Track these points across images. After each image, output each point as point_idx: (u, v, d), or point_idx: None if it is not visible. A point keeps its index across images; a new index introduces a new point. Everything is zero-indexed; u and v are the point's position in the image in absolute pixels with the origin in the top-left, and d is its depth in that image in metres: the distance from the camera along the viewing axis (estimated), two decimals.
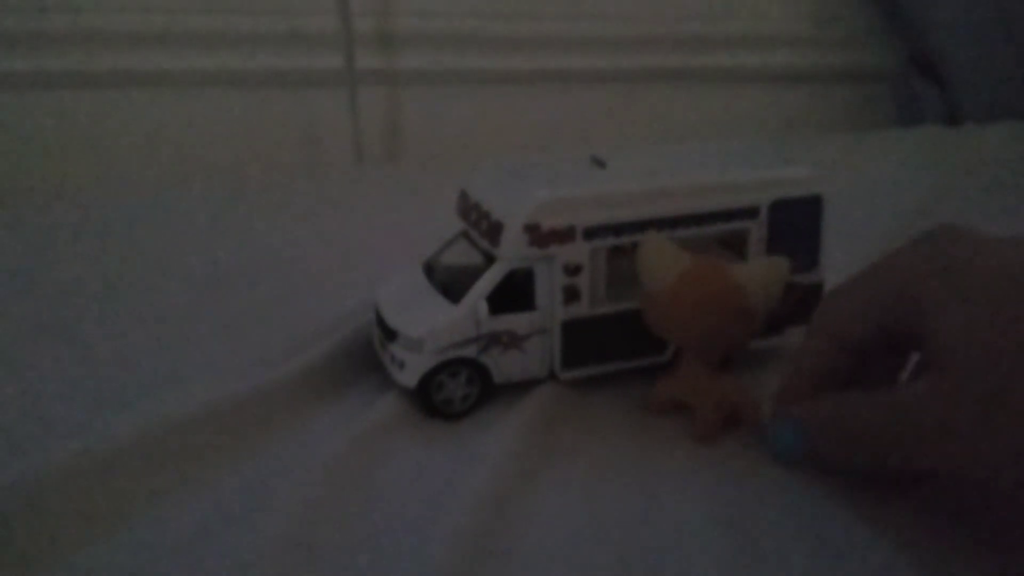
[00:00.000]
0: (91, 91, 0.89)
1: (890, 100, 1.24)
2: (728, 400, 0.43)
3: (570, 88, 1.07)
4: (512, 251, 0.43)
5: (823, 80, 1.20)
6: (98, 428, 0.39)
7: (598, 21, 1.08)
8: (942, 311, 0.33)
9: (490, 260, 0.44)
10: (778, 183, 0.46)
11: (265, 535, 0.34)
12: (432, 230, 0.50)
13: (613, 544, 0.36)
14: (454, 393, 0.45)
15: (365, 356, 0.48)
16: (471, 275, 0.44)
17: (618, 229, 0.43)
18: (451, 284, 0.46)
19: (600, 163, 0.47)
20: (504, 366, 0.45)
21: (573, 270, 0.44)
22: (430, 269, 0.48)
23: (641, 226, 0.44)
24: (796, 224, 0.47)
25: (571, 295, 0.44)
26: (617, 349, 0.46)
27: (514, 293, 0.44)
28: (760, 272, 0.41)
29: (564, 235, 0.43)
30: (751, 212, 0.46)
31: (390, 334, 0.45)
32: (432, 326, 0.43)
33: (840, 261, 0.47)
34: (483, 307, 0.43)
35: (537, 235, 0.43)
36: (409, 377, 0.44)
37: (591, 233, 0.43)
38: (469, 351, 0.44)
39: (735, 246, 0.48)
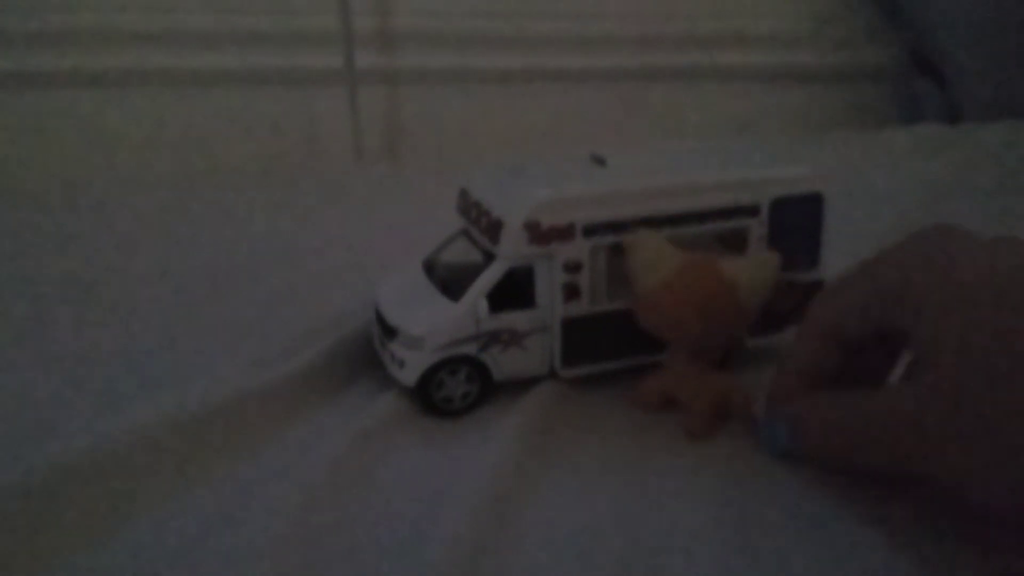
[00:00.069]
0: (91, 90, 0.89)
1: (890, 99, 1.24)
2: (720, 396, 0.43)
3: (570, 87, 1.07)
4: (512, 249, 0.43)
5: (823, 79, 1.19)
6: (97, 428, 0.39)
7: (598, 20, 1.08)
8: (931, 312, 0.33)
9: (490, 258, 0.44)
10: (779, 181, 0.46)
11: (264, 534, 0.34)
12: (432, 228, 0.50)
13: (613, 543, 0.36)
14: (454, 391, 0.45)
15: (365, 354, 0.48)
16: (471, 273, 0.44)
17: (618, 227, 0.43)
18: (451, 282, 0.45)
19: (600, 161, 0.47)
20: (504, 364, 0.45)
21: (573, 268, 0.44)
22: (430, 267, 0.48)
23: (642, 224, 0.43)
24: (797, 222, 0.47)
25: (571, 293, 0.44)
26: (617, 347, 0.46)
27: (514, 291, 0.44)
28: (751, 268, 0.41)
29: (564, 233, 0.43)
30: (751, 210, 0.46)
31: (390, 332, 0.45)
32: (432, 324, 0.43)
33: (840, 260, 0.47)
34: (483, 305, 0.43)
35: (537, 233, 0.42)
36: (409, 375, 0.44)
37: (591, 231, 0.43)
38: (469, 349, 0.44)
39: (736, 244, 0.47)
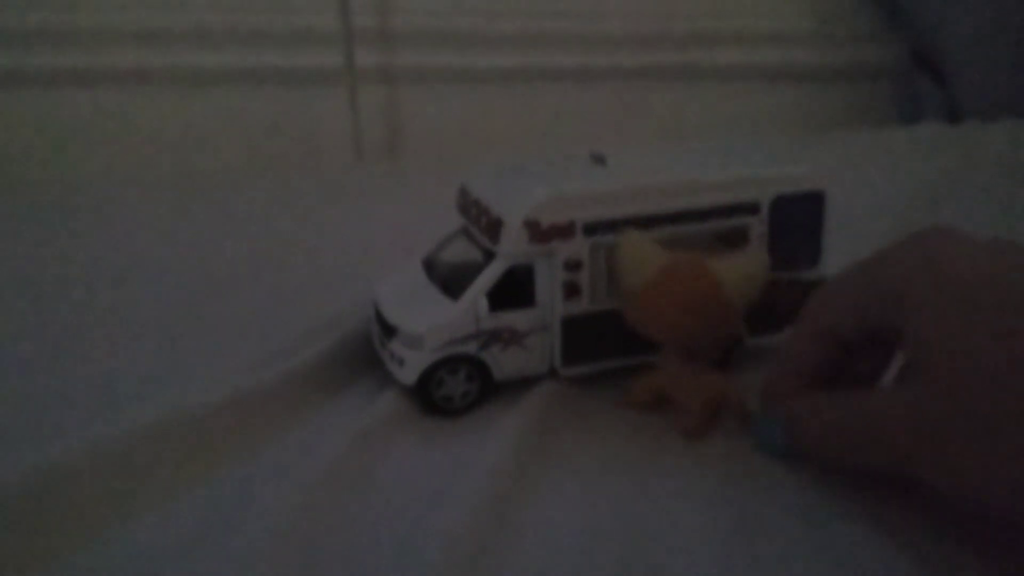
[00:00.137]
0: (89, 88, 0.89)
1: (891, 98, 1.24)
2: (714, 395, 0.43)
3: (570, 86, 1.07)
4: (512, 247, 0.43)
5: (824, 78, 1.19)
6: (97, 428, 0.39)
7: (598, 19, 1.08)
8: (925, 315, 0.33)
9: (490, 256, 0.44)
10: (779, 179, 0.46)
11: (264, 534, 0.34)
12: (432, 227, 0.50)
13: (613, 543, 0.35)
14: (454, 390, 0.44)
15: (365, 353, 0.48)
16: (471, 272, 0.44)
17: (618, 225, 0.43)
18: (451, 281, 0.45)
19: (600, 160, 0.47)
20: (504, 363, 0.45)
21: (573, 266, 0.43)
22: (430, 266, 0.48)
23: (642, 222, 0.43)
24: (798, 221, 0.47)
25: (571, 291, 0.44)
26: (618, 346, 0.46)
27: (514, 290, 0.44)
28: (739, 267, 0.41)
29: (564, 231, 0.43)
30: (752, 208, 0.46)
31: (389, 331, 0.45)
32: (432, 322, 0.43)
33: (841, 259, 0.46)
34: (483, 303, 0.43)
35: (537, 231, 0.42)
36: (408, 374, 0.44)
37: (591, 229, 0.43)
38: (469, 348, 0.44)
39: (737, 243, 0.47)
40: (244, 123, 0.94)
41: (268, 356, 0.47)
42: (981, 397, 0.30)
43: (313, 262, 0.63)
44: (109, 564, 0.34)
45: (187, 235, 0.70)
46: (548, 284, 0.44)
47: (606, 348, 0.46)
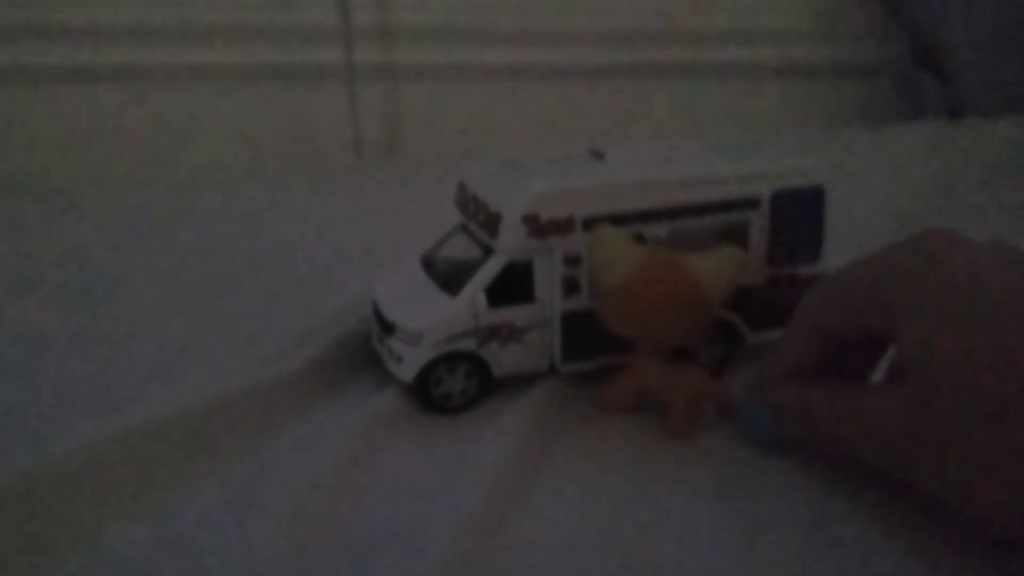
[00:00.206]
0: (87, 86, 0.89)
1: (892, 94, 1.23)
2: (697, 391, 0.42)
3: (570, 83, 1.07)
4: (511, 242, 0.43)
5: (825, 74, 1.19)
6: (96, 427, 0.39)
7: (599, 16, 1.07)
8: (921, 318, 0.33)
9: (488, 252, 0.44)
10: (779, 174, 0.46)
11: (264, 532, 0.34)
12: (431, 224, 0.50)
13: (614, 541, 0.35)
14: (453, 387, 0.44)
15: (364, 351, 0.48)
16: (470, 268, 0.44)
17: (618, 220, 0.43)
18: (450, 277, 0.45)
19: (599, 155, 0.47)
20: (503, 359, 0.45)
21: (573, 261, 0.43)
22: (428, 262, 0.48)
23: (641, 217, 0.43)
24: (798, 216, 0.47)
25: (571, 287, 0.44)
26: (617, 342, 0.45)
27: (513, 285, 0.44)
28: (715, 263, 0.41)
29: (563, 226, 0.42)
30: (752, 203, 0.45)
31: (388, 328, 0.44)
32: (430, 319, 0.43)
33: (842, 255, 0.46)
34: (482, 299, 0.43)
35: (536, 226, 0.42)
36: (407, 371, 0.44)
37: (590, 224, 0.43)
38: (468, 344, 0.44)
39: (737, 238, 0.47)
40: (243, 120, 0.94)
41: (267, 355, 0.47)
42: (974, 400, 0.30)
43: (312, 259, 0.63)
44: (107, 564, 0.34)
45: (185, 232, 0.70)
46: (547, 280, 0.44)
47: (606, 344, 0.46)
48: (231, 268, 0.62)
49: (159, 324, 0.53)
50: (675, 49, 1.11)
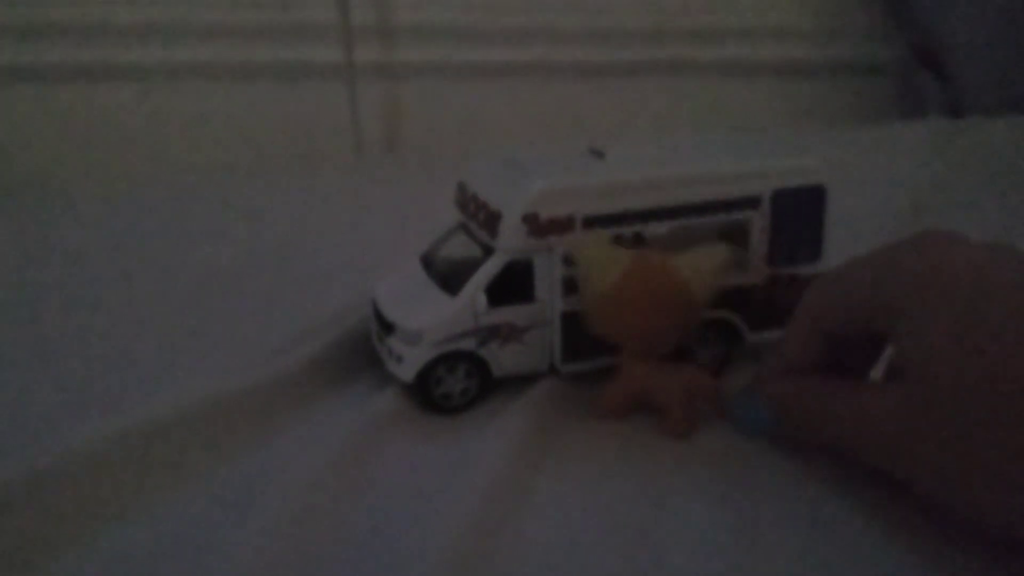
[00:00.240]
0: (86, 84, 0.89)
1: (893, 93, 1.23)
2: (691, 389, 0.42)
3: (570, 81, 1.07)
4: (511, 242, 0.42)
5: (826, 73, 1.19)
6: (95, 425, 0.39)
7: (599, 13, 1.07)
8: (913, 320, 0.33)
9: (488, 251, 0.44)
10: (780, 173, 0.46)
11: (263, 532, 0.34)
12: (431, 223, 0.50)
13: (614, 540, 0.35)
14: (453, 387, 0.44)
15: (363, 350, 0.48)
16: (469, 267, 0.44)
17: (618, 219, 0.43)
18: (449, 277, 0.45)
19: (599, 154, 0.46)
20: (503, 359, 0.44)
21: (573, 261, 0.43)
22: (428, 262, 0.48)
23: (642, 215, 0.43)
24: (799, 215, 0.46)
25: (571, 286, 0.44)
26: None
27: (513, 285, 0.43)
28: (701, 262, 0.41)
29: (563, 225, 0.42)
30: (753, 202, 0.45)
31: (388, 327, 0.44)
32: (430, 319, 0.43)
33: (843, 254, 0.46)
34: (481, 299, 0.43)
35: (536, 225, 0.42)
36: (407, 371, 0.44)
37: (590, 223, 0.43)
38: (468, 344, 0.44)
39: (737, 237, 0.47)
40: (243, 119, 0.94)
41: (266, 354, 0.47)
42: (972, 401, 0.30)
43: (312, 259, 0.63)
44: (107, 564, 0.34)
45: (184, 231, 0.70)
46: (547, 279, 0.43)
47: (606, 345, 0.45)
48: (230, 267, 0.62)
49: (159, 323, 0.53)
50: (675, 47, 1.11)
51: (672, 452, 0.41)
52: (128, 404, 0.41)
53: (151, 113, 0.91)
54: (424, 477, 0.39)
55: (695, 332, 0.45)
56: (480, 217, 0.44)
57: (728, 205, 0.45)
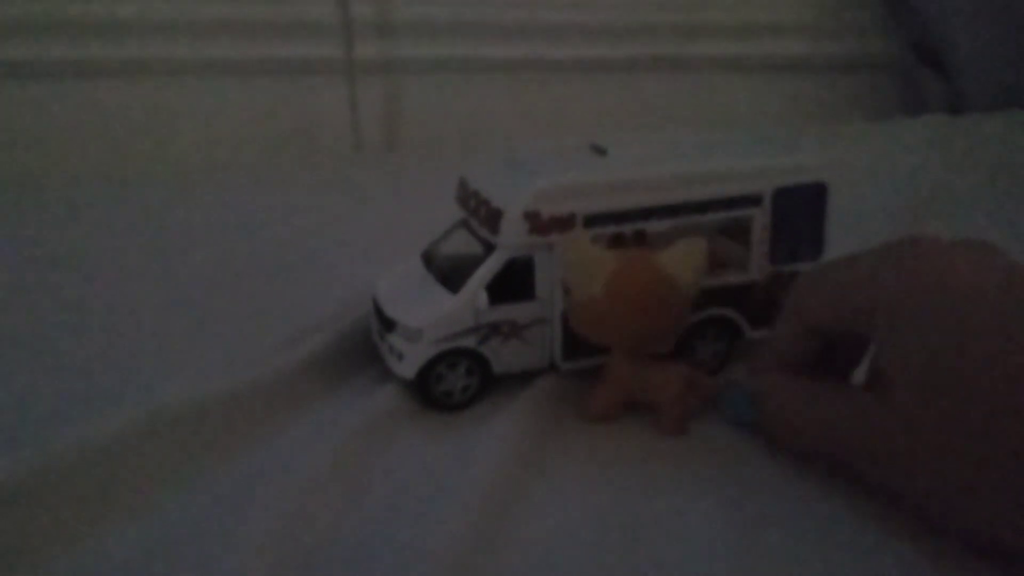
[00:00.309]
0: (85, 80, 0.88)
1: (893, 89, 1.23)
2: (683, 386, 0.42)
3: (571, 77, 1.06)
4: (512, 239, 0.42)
5: (826, 69, 1.19)
6: (95, 423, 0.39)
7: (599, 9, 1.07)
8: (894, 329, 0.33)
9: (489, 249, 0.44)
10: (782, 171, 0.46)
11: (264, 529, 0.34)
12: (431, 219, 0.50)
13: (615, 537, 0.35)
14: (454, 384, 0.44)
15: (364, 348, 0.48)
16: (470, 264, 0.44)
17: (619, 217, 0.43)
18: (450, 274, 0.45)
19: (600, 151, 0.46)
20: (504, 357, 0.44)
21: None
22: (429, 259, 0.48)
23: (643, 213, 0.43)
24: (800, 212, 0.46)
25: None
26: None
27: (514, 282, 0.43)
28: (683, 257, 0.41)
29: (564, 222, 0.42)
30: (754, 200, 0.45)
31: (388, 324, 0.44)
32: (431, 316, 0.43)
33: (843, 251, 0.46)
34: (482, 296, 0.43)
35: (537, 223, 0.42)
36: (408, 368, 0.44)
37: (592, 221, 0.43)
38: (468, 341, 0.43)
39: (739, 234, 0.47)
40: (242, 115, 0.93)
41: (266, 351, 0.47)
42: (947, 414, 0.31)
43: (312, 255, 0.63)
44: (107, 561, 0.34)
45: (183, 228, 0.69)
46: (548, 277, 0.43)
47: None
48: (230, 264, 0.62)
49: (158, 321, 0.53)
50: (675, 44, 1.11)
51: (672, 450, 0.41)
52: (128, 402, 0.41)
53: (150, 110, 0.91)
54: (424, 475, 0.39)
55: (687, 329, 0.45)
56: (481, 214, 0.44)
57: (730, 203, 0.45)
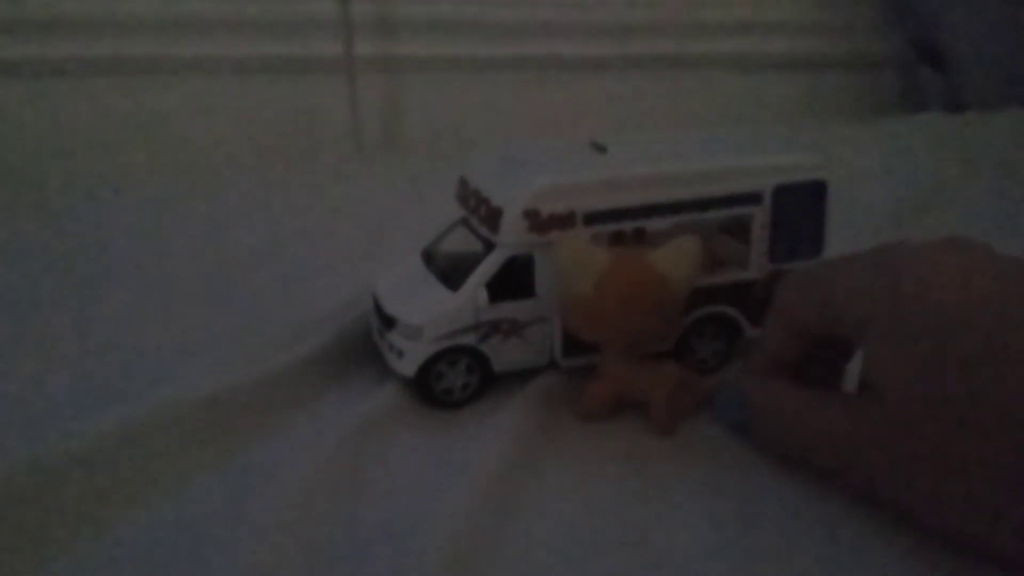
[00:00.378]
0: (86, 78, 0.88)
1: (893, 87, 1.23)
2: (675, 385, 0.42)
3: (571, 75, 1.06)
4: (512, 237, 0.42)
5: (826, 67, 1.19)
6: (96, 421, 0.39)
7: (599, 7, 1.07)
8: (881, 337, 0.33)
9: (489, 247, 0.44)
10: (782, 169, 0.46)
11: (264, 526, 0.34)
12: (431, 217, 0.50)
13: (615, 535, 0.35)
14: (454, 382, 0.44)
15: (364, 345, 0.48)
16: (471, 262, 0.44)
17: (619, 214, 0.43)
18: (450, 272, 0.45)
19: (600, 148, 0.46)
20: (504, 354, 0.44)
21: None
22: (429, 257, 0.48)
23: (643, 211, 0.43)
24: (800, 210, 0.46)
25: None
26: None
27: (514, 280, 0.43)
28: (676, 255, 0.41)
29: (564, 221, 0.42)
30: (754, 198, 0.45)
31: (388, 322, 0.44)
32: (431, 314, 0.43)
33: (843, 249, 0.46)
34: (483, 294, 0.43)
35: (537, 221, 0.42)
36: (408, 366, 0.44)
37: (592, 219, 0.43)
38: (468, 339, 0.44)
39: (739, 232, 0.47)
40: (242, 113, 0.93)
41: (266, 349, 0.46)
42: (931, 424, 0.31)
43: (312, 253, 0.63)
44: (109, 557, 0.34)
45: (183, 226, 0.69)
46: (548, 275, 0.43)
47: None
48: (229, 262, 0.62)
49: (157, 318, 0.53)
50: (676, 42, 1.11)
51: (671, 449, 0.41)
52: (129, 400, 0.41)
53: (149, 108, 0.91)
54: (424, 472, 0.39)
55: (686, 327, 0.45)
56: (481, 212, 0.44)
57: (730, 201, 0.45)
